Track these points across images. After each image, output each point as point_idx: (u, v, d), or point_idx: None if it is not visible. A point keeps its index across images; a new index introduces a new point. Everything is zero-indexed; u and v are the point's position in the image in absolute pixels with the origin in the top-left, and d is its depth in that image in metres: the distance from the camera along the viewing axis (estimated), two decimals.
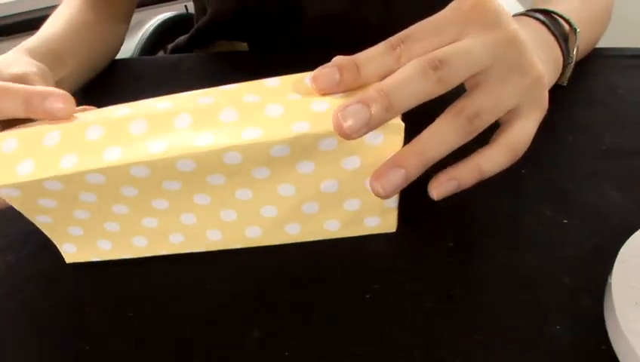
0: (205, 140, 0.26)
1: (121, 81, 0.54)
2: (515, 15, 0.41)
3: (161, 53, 0.79)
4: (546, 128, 0.40)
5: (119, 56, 0.59)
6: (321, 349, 0.28)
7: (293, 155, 0.28)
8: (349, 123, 0.25)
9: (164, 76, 0.54)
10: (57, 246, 0.33)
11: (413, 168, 0.27)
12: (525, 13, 0.41)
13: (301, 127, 0.26)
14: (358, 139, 0.26)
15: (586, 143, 0.39)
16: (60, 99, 0.30)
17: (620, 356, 0.25)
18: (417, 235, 0.34)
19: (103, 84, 0.53)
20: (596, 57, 0.49)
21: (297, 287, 0.31)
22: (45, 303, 0.32)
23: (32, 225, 0.31)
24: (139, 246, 0.33)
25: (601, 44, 0.49)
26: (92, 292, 0.33)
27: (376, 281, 0.31)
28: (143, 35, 0.76)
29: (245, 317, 0.30)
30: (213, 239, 0.33)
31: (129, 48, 0.73)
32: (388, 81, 0.26)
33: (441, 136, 0.27)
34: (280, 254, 0.33)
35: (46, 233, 0.32)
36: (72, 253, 0.33)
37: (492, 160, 0.29)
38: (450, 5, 0.29)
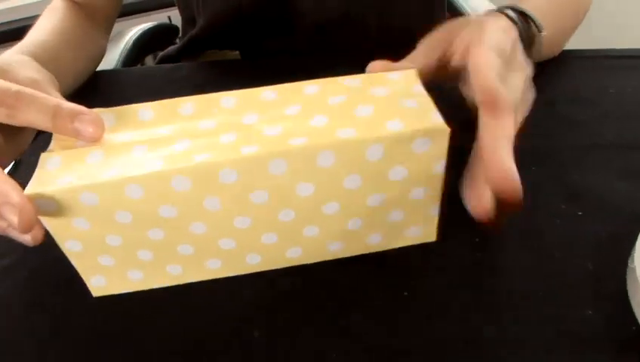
0: (249, 149, 0.26)
1: (116, 90, 0.54)
2: (489, 11, 0.41)
3: (150, 63, 0.78)
4: (548, 126, 0.43)
5: (103, 67, 0.59)
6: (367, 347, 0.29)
7: (338, 166, 0.27)
8: None
9: (162, 85, 0.53)
10: (85, 280, 0.32)
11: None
12: (499, 10, 0.41)
13: (347, 133, 0.27)
14: (405, 148, 0.26)
15: (586, 139, 0.41)
16: (91, 122, 0.29)
17: None
18: (444, 233, 0.35)
19: (101, 96, 0.52)
20: (585, 59, 0.51)
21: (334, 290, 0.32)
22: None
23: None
24: (172, 275, 0.32)
25: (591, 45, 0.52)
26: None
27: (412, 279, 0.32)
28: (125, 46, 0.75)
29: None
30: (252, 263, 0.32)
31: (112, 59, 0.72)
32: None
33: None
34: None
35: (74, 264, 0.31)
36: (100, 286, 0.32)
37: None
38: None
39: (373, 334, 0.29)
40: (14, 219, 0.26)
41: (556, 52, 0.51)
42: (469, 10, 0.82)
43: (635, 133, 0.42)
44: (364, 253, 0.33)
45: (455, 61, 0.33)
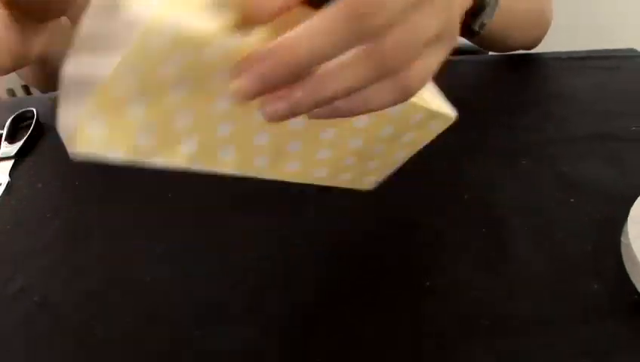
0: None
1: None
2: None
3: None
4: (535, 123, 0.46)
5: None
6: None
7: None
8: None
9: None
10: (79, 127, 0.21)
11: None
12: None
13: None
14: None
15: (570, 132, 0.45)
16: None
17: None
18: (452, 226, 0.37)
19: None
20: (562, 60, 0.55)
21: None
22: None
23: None
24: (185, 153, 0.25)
25: (560, 48, 0.56)
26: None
27: (434, 270, 0.34)
28: None
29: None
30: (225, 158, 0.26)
31: None
32: None
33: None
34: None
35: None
36: (92, 136, 0.21)
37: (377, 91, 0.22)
38: None
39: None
40: None
41: (507, 37, 0.52)
42: None
43: (611, 125, 0.45)
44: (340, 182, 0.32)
45: None
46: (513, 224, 0.37)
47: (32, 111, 0.54)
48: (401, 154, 0.33)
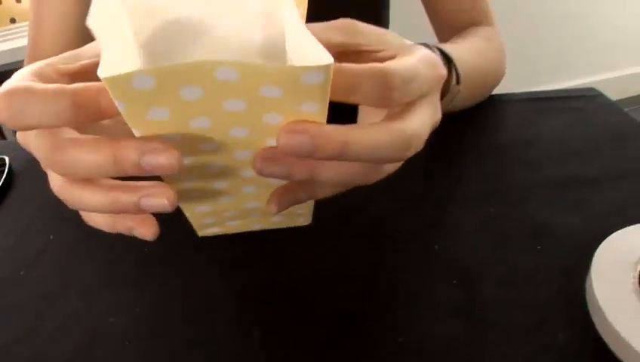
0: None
1: None
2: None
3: None
4: (499, 168, 0.48)
5: None
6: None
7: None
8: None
9: None
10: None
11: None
12: (422, 43, 0.42)
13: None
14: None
15: (534, 177, 0.47)
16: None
17: (611, 346, 0.32)
18: (423, 278, 0.38)
19: None
20: (522, 102, 0.58)
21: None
22: None
23: None
24: None
25: (529, 88, 0.59)
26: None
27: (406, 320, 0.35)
28: None
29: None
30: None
31: None
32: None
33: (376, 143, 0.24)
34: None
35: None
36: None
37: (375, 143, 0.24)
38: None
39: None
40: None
41: (458, 108, 0.53)
42: None
43: (576, 168, 0.47)
44: None
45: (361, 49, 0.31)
46: (483, 274, 0.38)
47: (4, 159, 0.54)
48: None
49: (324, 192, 0.29)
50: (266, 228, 0.35)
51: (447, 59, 0.44)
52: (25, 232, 0.46)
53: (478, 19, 0.61)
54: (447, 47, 0.46)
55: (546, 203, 0.44)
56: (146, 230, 0.26)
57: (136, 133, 0.22)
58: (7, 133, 0.93)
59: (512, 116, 0.55)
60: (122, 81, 0.19)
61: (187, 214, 0.31)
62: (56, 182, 0.25)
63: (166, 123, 0.22)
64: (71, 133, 0.24)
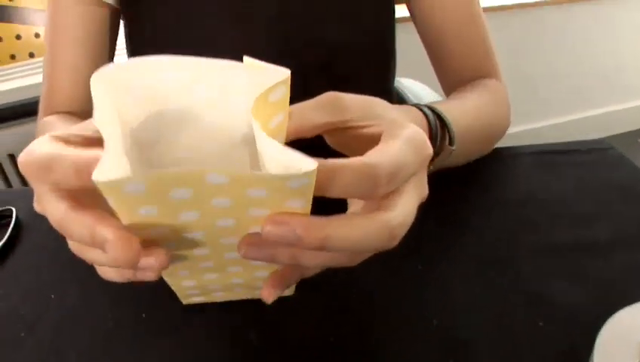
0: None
1: None
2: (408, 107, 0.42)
3: None
4: (504, 229, 0.47)
5: None
6: None
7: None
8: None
9: None
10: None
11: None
12: (419, 107, 0.43)
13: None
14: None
15: (541, 242, 0.46)
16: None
17: None
18: (421, 355, 0.37)
19: None
20: (533, 155, 0.57)
21: None
22: None
23: None
24: None
25: (533, 140, 0.58)
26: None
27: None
28: None
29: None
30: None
31: None
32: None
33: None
34: None
35: None
36: None
37: (360, 235, 0.24)
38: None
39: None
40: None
41: (455, 164, 0.52)
42: (411, 97, 0.88)
43: (583, 231, 0.46)
44: None
45: (352, 136, 0.31)
46: (481, 350, 0.37)
47: (11, 210, 0.55)
48: None
49: (313, 272, 0.30)
50: (251, 297, 0.35)
51: (441, 120, 0.44)
52: (28, 291, 0.46)
53: (483, 72, 0.60)
54: (443, 106, 0.45)
55: (550, 271, 0.43)
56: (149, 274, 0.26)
57: (124, 222, 0.23)
58: (12, 181, 0.94)
59: (518, 171, 0.54)
60: (114, 186, 0.21)
61: (173, 287, 0.32)
62: (69, 241, 0.27)
63: (155, 217, 0.23)
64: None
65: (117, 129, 0.25)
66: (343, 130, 0.32)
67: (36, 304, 0.45)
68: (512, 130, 0.60)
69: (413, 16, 0.63)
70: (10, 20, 1.50)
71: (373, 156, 0.25)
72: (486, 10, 0.61)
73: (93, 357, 0.39)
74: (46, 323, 0.43)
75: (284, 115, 0.28)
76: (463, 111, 0.50)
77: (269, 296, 0.29)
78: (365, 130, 0.31)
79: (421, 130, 0.29)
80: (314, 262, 0.26)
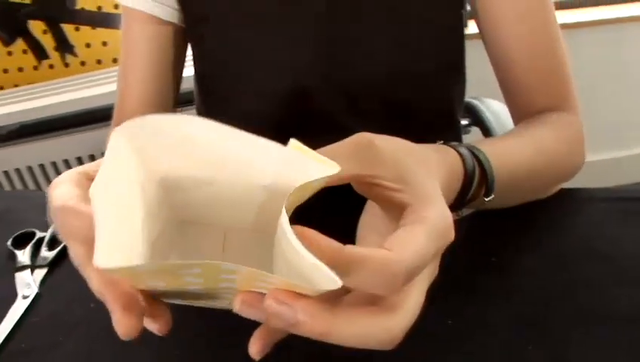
0: None
1: None
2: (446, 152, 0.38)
3: None
4: (553, 288, 0.42)
5: None
6: None
7: None
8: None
9: None
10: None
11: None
12: (454, 145, 0.39)
13: None
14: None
15: (596, 307, 0.40)
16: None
17: None
18: None
19: None
20: (594, 201, 0.50)
21: None
22: None
23: None
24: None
25: (604, 183, 0.51)
26: None
27: None
28: None
29: None
30: None
31: None
32: None
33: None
34: None
35: None
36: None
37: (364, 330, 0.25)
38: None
39: None
40: None
41: (502, 206, 0.48)
42: (489, 116, 0.83)
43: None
44: None
45: (383, 197, 0.30)
46: None
47: None
48: None
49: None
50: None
51: (482, 168, 0.40)
52: (71, 299, 0.49)
53: (557, 102, 0.54)
54: (490, 147, 0.41)
55: (596, 347, 0.37)
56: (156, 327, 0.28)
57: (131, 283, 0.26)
58: None
59: (584, 218, 0.48)
60: (119, 272, 0.23)
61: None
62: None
63: (162, 286, 0.26)
64: None
65: (110, 207, 0.26)
66: (369, 185, 0.30)
67: (76, 311, 0.48)
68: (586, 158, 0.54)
69: (482, 37, 0.59)
70: (117, 27, 1.63)
71: (396, 252, 0.24)
72: (562, 27, 0.54)
73: None
74: (82, 329, 0.46)
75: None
76: (517, 150, 0.45)
77: (256, 352, 0.27)
78: (392, 194, 0.30)
79: (448, 213, 0.28)
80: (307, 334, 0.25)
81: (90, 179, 0.31)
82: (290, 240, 0.23)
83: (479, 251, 0.46)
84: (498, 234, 0.48)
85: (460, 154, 0.38)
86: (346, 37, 0.57)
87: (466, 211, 0.41)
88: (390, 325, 0.25)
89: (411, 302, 0.26)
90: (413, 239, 0.26)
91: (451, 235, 0.28)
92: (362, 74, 0.58)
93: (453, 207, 0.39)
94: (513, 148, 0.45)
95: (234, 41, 0.59)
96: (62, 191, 0.31)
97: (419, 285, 0.26)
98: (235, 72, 0.61)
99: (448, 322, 0.40)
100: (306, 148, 0.27)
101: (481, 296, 0.42)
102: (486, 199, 0.40)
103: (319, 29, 0.56)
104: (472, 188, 0.38)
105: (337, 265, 0.23)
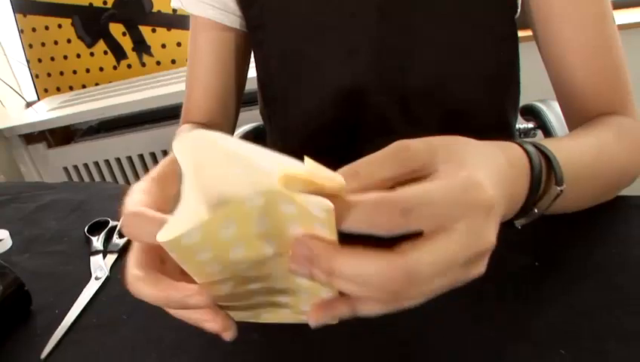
0: None
1: None
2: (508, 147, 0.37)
3: None
4: (591, 303, 0.39)
5: None
6: None
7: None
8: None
9: None
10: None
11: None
12: (518, 142, 0.39)
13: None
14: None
15: (635, 320, 0.38)
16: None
17: None
18: None
19: None
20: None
21: None
22: None
23: None
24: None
25: None
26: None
27: None
28: None
29: None
30: None
31: None
32: None
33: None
34: None
35: None
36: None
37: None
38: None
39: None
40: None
41: (564, 211, 0.46)
42: (552, 119, 0.81)
43: None
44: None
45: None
46: None
47: None
48: None
49: (367, 310, 0.28)
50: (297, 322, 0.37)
51: (547, 158, 0.39)
52: None
53: (613, 109, 0.53)
54: (554, 145, 0.41)
55: None
56: (215, 325, 0.32)
57: (186, 269, 0.30)
58: None
59: (628, 230, 0.46)
60: (174, 243, 0.27)
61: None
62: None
63: (211, 260, 0.28)
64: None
65: (191, 194, 0.29)
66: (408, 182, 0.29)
67: None
68: None
69: (535, 38, 0.58)
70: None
71: (394, 192, 0.25)
72: (620, 27, 0.52)
73: (180, 347, 0.45)
74: (142, 310, 0.50)
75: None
76: (579, 150, 0.44)
77: (315, 320, 0.29)
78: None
79: (475, 175, 0.27)
80: (346, 289, 0.26)
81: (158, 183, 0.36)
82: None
83: (523, 253, 0.46)
84: (544, 238, 0.48)
85: (524, 149, 0.37)
86: (399, 45, 0.58)
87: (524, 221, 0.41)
88: (403, 261, 0.24)
89: (435, 248, 0.25)
90: (419, 185, 0.26)
91: (480, 194, 0.26)
92: (416, 81, 0.59)
93: (527, 203, 0.37)
94: (578, 148, 0.44)
95: (291, 49, 0.62)
96: (132, 199, 0.36)
97: (444, 239, 0.25)
98: (294, 72, 0.64)
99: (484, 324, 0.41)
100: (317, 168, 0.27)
101: (518, 301, 0.42)
102: (558, 188, 0.38)
103: (373, 38, 0.58)
104: (540, 182, 0.37)
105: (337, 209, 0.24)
